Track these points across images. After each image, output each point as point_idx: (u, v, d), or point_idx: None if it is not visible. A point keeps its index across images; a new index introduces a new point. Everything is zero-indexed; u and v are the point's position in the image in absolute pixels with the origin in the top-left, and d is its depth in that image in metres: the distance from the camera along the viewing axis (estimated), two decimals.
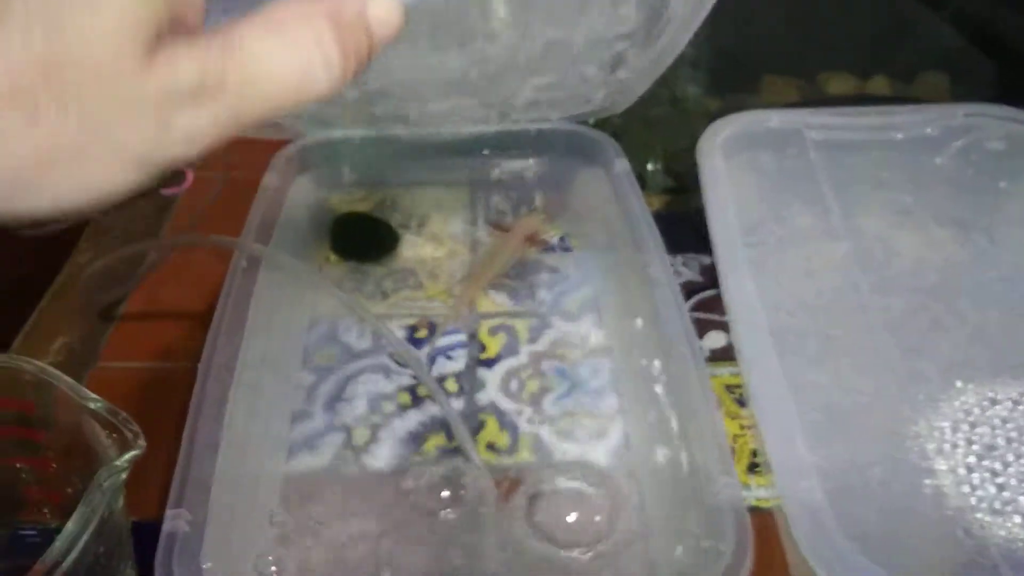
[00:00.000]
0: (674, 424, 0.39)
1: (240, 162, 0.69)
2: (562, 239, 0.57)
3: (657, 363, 0.41)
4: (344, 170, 0.57)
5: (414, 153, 0.57)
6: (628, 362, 0.47)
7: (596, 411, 0.46)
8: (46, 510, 0.42)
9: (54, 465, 0.40)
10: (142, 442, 0.34)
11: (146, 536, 0.38)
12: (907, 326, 0.42)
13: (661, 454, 0.40)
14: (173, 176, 0.65)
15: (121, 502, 0.34)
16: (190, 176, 0.70)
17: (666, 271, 0.44)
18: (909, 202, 0.53)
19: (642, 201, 0.49)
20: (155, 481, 0.42)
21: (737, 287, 0.42)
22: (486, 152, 0.57)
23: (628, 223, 0.49)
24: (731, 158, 0.52)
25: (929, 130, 0.56)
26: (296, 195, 0.53)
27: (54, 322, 0.56)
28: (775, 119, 0.55)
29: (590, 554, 0.39)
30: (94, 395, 0.36)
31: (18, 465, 0.40)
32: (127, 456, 0.33)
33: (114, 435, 0.35)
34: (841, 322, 0.42)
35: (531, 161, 0.58)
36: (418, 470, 0.43)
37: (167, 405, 0.49)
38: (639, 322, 0.46)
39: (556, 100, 0.53)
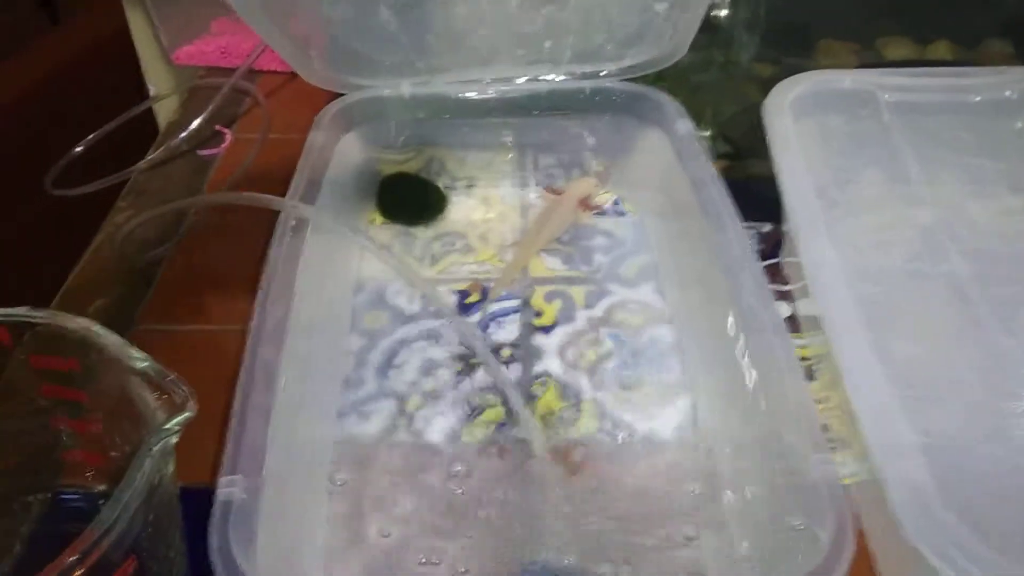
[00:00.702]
0: (752, 395, 0.36)
1: (279, 124, 0.67)
2: (616, 203, 0.55)
3: (731, 332, 0.39)
4: (391, 129, 0.54)
5: (463, 112, 0.55)
6: (693, 330, 0.45)
7: (659, 381, 0.43)
8: (89, 474, 0.40)
9: (98, 427, 0.38)
10: (193, 404, 0.32)
11: (191, 503, 0.37)
12: (1001, 295, 0.39)
13: (736, 427, 0.38)
14: (212, 137, 0.63)
15: (172, 467, 0.32)
16: (228, 137, 0.68)
17: (739, 234, 0.42)
18: (989, 167, 0.50)
19: (709, 163, 0.47)
20: (198, 446, 0.40)
21: (817, 254, 0.39)
22: (537, 112, 0.55)
23: (693, 186, 0.46)
24: (800, 119, 0.49)
25: (1008, 93, 0.53)
26: (341, 154, 0.51)
27: (91, 283, 0.54)
28: (847, 80, 0.52)
29: (660, 532, 0.37)
30: (142, 354, 0.34)
31: (60, 427, 0.39)
32: (178, 419, 0.31)
33: (163, 397, 0.33)
34: (930, 291, 0.40)
35: (585, 121, 0.55)
36: (473, 441, 0.41)
37: (208, 369, 0.48)
38: (705, 289, 0.44)
39: (612, 25, 0.50)
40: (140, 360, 0.34)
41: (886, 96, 0.52)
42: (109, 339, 0.35)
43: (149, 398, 0.34)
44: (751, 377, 0.36)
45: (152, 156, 0.64)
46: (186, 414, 0.32)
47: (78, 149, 0.64)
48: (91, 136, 0.65)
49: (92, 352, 0.35)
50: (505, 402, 0.42)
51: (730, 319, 0.39)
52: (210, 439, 0.41)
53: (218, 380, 0.46)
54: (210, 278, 0.54)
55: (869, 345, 0.34)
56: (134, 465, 0.29)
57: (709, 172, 0.46)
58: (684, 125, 0.50)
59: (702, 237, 0.44)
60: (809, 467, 0.31)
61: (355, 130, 0.53)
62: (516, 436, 0.41)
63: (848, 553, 0.28)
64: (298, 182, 0.46)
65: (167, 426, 0.31)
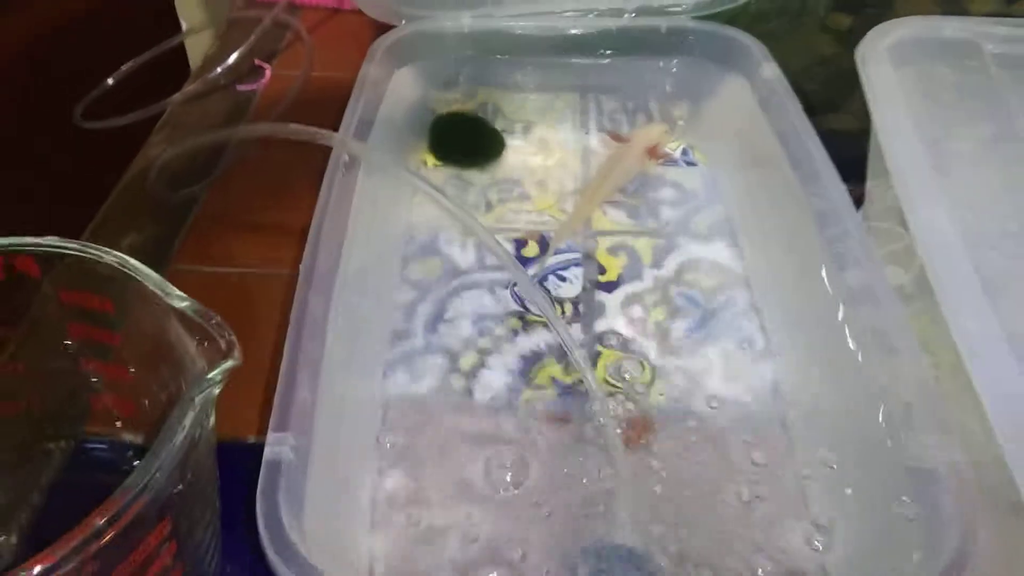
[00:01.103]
0: (855, 367, 0.33)
1: (321, 61, 0.63)
2: (685, 152, 0.51)
3: (827, 295, 0.35)
4: (447, 65, 0.50)
5: (525, 50, 0.51)
6: (774, 293, 0.41)
7: (735, 347, 0.40)
8: (118, 422, 0.37)
9: (130, 370, 0.35)
10: (239, 352, 0.29)
11: (223, 458, 0.34)
12: None
13: (828, 402, 0.34)
14: (250, 72, 0.59)
15: (212, 420, 0.29)
16: (268, 72, 0.64)
17: (838, 188, 0.38)
18: None
19: (800, 111, 0.43)
20: (232, 396, 0.37)
21: (928, 217, 0.35)
22: (606, 52, 0.51)
23: (779, 135, 0.42)
24: (898, 68, 0.45)
25: None
26: (394, 90, 0.47)
27: (123, 219, 0.51)
28: (948, 27, 0.48)
29: (737, 516, 0.33)
30: (182, 293, 0.31)
31: (88, 369, 0.36)
32: (222, 367, 0.28)
33: (205, 343, 0.30)
34: None
35: (656, 63, 0.51)
36: (531, 405, 0.37)
37: (246, 314, 0.45)
38: (791, 248, 0.40)
39: None
40: (180, 299, 0.31)
41: (991, 47, 0.47)
42: (146, 275, 0.31)
43: (189, 343, 0.31)
44: (852, 346, 0.33)
45: (188, 89, 0.61)
46: (231, 362, 0.28)
47: (108, 82, 0.61)
48: (122, 68, 0.61)
49: (126, 289, 0.32)
50: (566, 365, 0.39)
51: (826, 281, 0.35)
52: (245, 390, 0.39)
53: (256, 326, 0.44)
54: (248, 218, 0.51)
55: (992, 319, 0.30)
56: (174, 417, 0.26)
57: (800, 120, 0.42)
58: (770, 69, 0.46)
59: (787, 191, 0.40)
60: (927, 450, 0.27)
61: (410, 65, 0.49)
62: (577, 401, 0.37)
63: (976, 550, 0.24)
64: (350, 117, 0.42)
65: (211, 375, 0.28)
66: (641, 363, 0.39)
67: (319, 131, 0.40)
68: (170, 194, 0.50)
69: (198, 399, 0.27)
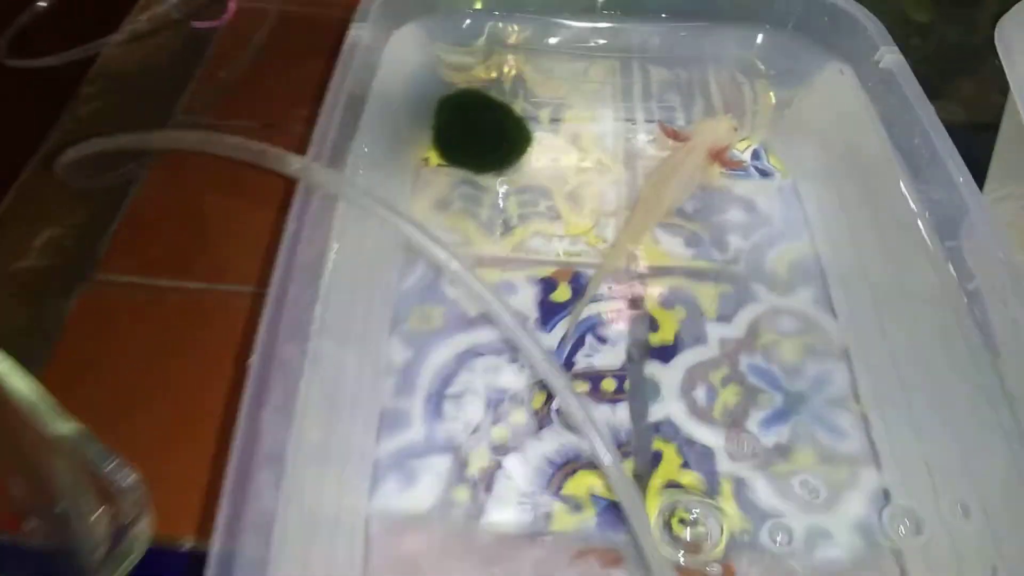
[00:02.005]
0: (994, 474, 0.23)
1: None
2: (756, 155, 0.40)
3: (959, 372, 0.25)
4: (458, 22, 0.39)
5: (559, 5, 0.39)
6: (884, 367, 0.31)
7: (830, 448, 0.30)
8: None
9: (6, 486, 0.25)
10: (149, 521, 0.19)
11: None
12: None
13: (977, 531, 0.25)
14: (209, 4, 0.45)
15: None
16: (232, 6, 0.51)
17: (986, 220, 0.28)
18: None
19: (931, 111, 0.32)
20: (165, 485, 0.27)
21: None
22: (662, 13, 0.39)
23: (898, 146, 0.32)
24: None
25: None
26: (392, 57, 0.36)
27: (38, 206, 0.41)
28: None
29: None
30: (72, 424, 0.21)
31: None
32: (124, 562, 0.19)
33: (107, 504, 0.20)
34: None
35: (728, 34, 0.40)
36: (565, 533, 0.28)
37: (190, 348, 0.35)
38: (914, 301, 0.30)
39: None
40: (72, 436, 0.20)
41: None
42: (23, 393, 0.21)
43: (80, 478, 0.21)
44: (985, 445, 0.23)
45: (132, 25, 0.49)
46: (134, 554, 0.19)
47: (41, 4, 0.49)
48: None
49: None
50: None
51: (943, 351, 0.26)
52: (183, 472, 0.29)
53: (202, 371, 0.34)
54: (197, 210, 0.41)
55: None
56: None
57: (934, 125, 0.31)
58: (891, 56, 0.35)
59: (904, 220, 0.30)
60: None
61: (413, 22, 0.38)
62: (625, 533, 0.28)
63: None
64: (334, 102, 0.31)
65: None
66: (707, 473, 0.29)
67: (271, 149, 0.29)
68: (89, 180, 0.39)
69: None
